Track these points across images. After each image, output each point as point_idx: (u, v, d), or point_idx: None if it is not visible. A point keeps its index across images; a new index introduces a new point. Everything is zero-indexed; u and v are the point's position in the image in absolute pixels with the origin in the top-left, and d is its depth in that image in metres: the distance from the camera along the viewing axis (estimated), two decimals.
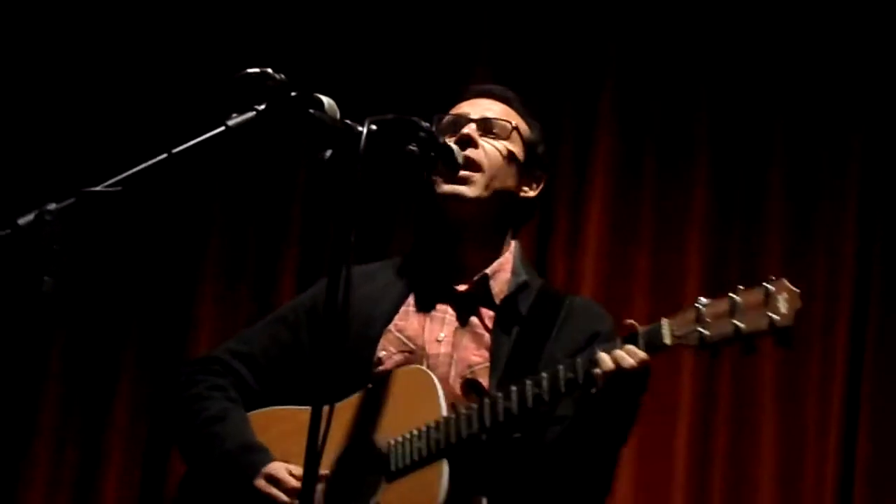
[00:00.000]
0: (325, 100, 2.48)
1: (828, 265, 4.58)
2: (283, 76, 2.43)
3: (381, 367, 2.98)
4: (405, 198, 4.69)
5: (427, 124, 2.65)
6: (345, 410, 2.88)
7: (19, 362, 4.96)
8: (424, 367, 2.93)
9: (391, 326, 3.02)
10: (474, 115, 3.09)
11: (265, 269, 5.00)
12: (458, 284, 3.05)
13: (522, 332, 2.99)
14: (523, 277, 3.06)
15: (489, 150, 3.06)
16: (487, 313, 3.02)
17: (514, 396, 2.79)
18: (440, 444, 2.81)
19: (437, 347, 2.99)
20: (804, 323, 4.47)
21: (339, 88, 2.60)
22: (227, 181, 5.03)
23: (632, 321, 2.76)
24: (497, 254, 3.08)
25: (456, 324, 3.01)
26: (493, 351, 2.97)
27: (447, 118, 3.12)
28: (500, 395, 2.81)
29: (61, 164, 4.97)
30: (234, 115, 2.44)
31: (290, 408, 3.05)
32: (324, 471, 2.84)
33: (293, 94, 2.45)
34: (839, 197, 4.63)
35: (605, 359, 2.73)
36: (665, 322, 2.72)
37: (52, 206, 2.26)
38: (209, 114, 2.44)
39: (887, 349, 4.50)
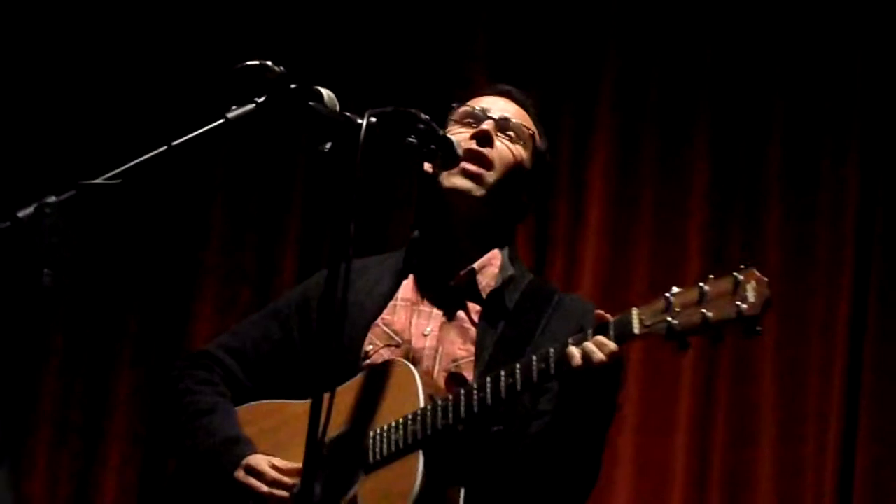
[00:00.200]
0: (325, 92, 2.48)
1: (828, 242, 4.58)
2: (282, 68, 2.43)
3: (367, 361, 2.99)
4: (403, 186, 4.69)
5: (427, 116, 2.64)
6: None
7: (19, 355, 4.96)
8: (404, 360, 2.94)
9: (379, 321, 3.03)
10: (494, 114, 3.09)
11: (265, 263, 5.00)
12: (449, 279, 3.06)
13: (508, 327, 3.00)
14: (510, 272, 3.06)
15: (503, 151, 3.06)
16: (474, 307, 3.03)
17: (488, 387, 2.80)
18: (417, 435, 2.82)
19: (423, 341, 3.00)
20: (805, 303, 4.50)
21: (336, 82, 2.59)
22: (227, 174, 5.03)
23: (601, 311, 2.76)
24: (488, 250, 3.08)
25: (443, 318, 3.02)
26: (479, 345, 2.97)
27: (465, 108, 3.12)
28: (475, 386, 2.82)
29: (61, 157, 4.97)
30: (234, 107, 2.44)
31: (277, 402, 3.08)
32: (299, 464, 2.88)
33: (293, 86, 2.45)
34: (840, 177, 4.62)
35: (575, 352, 2.73)
36: (634, 312, 2.72)
37: (52, 199, 2.26)
38: (209, 106, 2.44)
39: (887, 345, 4.49)
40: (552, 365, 2.76)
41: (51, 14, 5.12)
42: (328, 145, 2.47)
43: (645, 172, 4.80)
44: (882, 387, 4.47)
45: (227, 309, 4.94)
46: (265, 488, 2.92)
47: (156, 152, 2.37)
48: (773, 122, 4.72)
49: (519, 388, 2.78)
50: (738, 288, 2.61)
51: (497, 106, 3.12)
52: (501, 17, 4.96)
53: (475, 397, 2.80)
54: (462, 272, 3.04)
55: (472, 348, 2.98)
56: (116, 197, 2.32)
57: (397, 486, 2.81)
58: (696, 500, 4.58)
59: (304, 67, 2.60)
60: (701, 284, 2.65)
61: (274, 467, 2.93)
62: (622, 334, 2.72)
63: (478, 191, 3.02)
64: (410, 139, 2.61)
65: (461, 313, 3.02)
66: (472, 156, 3.00)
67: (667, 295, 2.68)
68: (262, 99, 2.44)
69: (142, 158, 2.36)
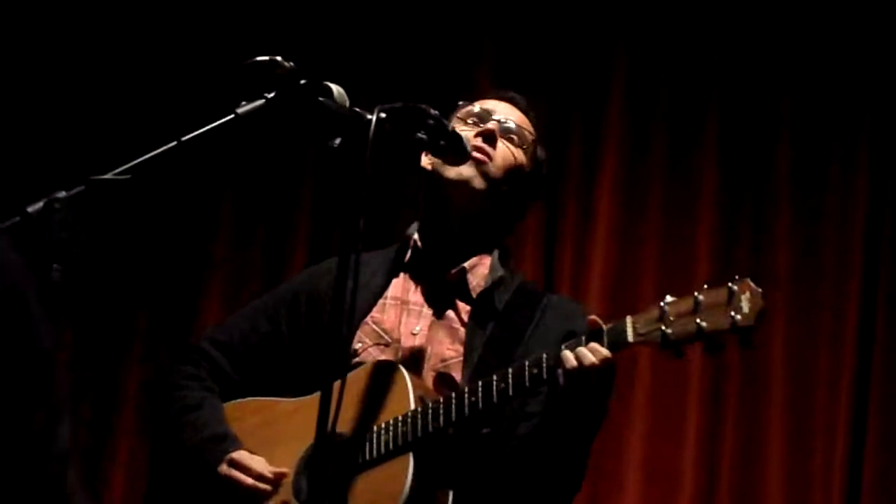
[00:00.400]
0: (335, 87, 2.48)
1: (836, 245, 4.58)
2: (292, 64, 2.43)
3: (356, 359, 3.00)
4: (412, 182, 4.69)
5: (436, 112, 2.64)
6: (317, 402, 2.90)
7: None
8: (394, 361, 2.95)
9: (368, 319, 3.04)
10: (499, 117, 3.13)
11: (274, 259, 5.01)
12: (441, 275, 3.07)
13: (497, 328, 3.01)
14: (500, 273, 3.07)
15: (504, 152, 3.09)
16: (464, 307, 3.04)
17: (479, 392, 2.81)
18: (407, 437, 2.84)
19: (412, 340, 3.01)
20: (814, 306, 4.49)
21: (342, 85, 2.59)
22: (236, 169, 5.03)
23: (595, 318, 2.77)
24: (480, 250, 3.10)
25: (432, 317, 3.03)
26: (468, 345, 2.99)
27: (469, 108, 3.16)
28: (466, 389, 2.83)
29: (70, 152, 4.98)
30: (244, 103, 2.44)
31: (265, 399, 3.09)
32: (287, 469, 2.93)
33: (302, 81, 2.45)
34: (849, 176, 4.62)
35: (569, 357, 2.74)
36: (629, 320, 2.73)
37: (62, 194, 2.25)
38: (218, 102, 2.44)
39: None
40: (545, 370, 2.77)
41: (61, 10, 5.13)
42: (337, 141, 2.47)
43: (654, 174, 4.80)
44: (890, 396, 4.47)
45: (235, 304, 4.93)
46: (250, 481, 2.94)
47: (165, 148, 2.37)
48: (781, 125, 4.72)
49: (511, 393, 2.80)
50: (732, 298, 2.62)
51: (501, 110, 3.16)
52: (509, 19, 4.96)
53: (467, 402, 2.81)
54: (454, 270, 3.05)
55: (461, 348, 2.99)
56: (126, 192, 2.33)
57: (387, 487, 2.82)
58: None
59: (312, 65, 2.60)
60: (696, 294, 2.66)
61: (259, 463, 2.95)
62: (616, 342, 2.73)
63: (480, 183, 3.04)
64: (420, 135, 2.61)
65: (451, 313, 3.04)
66: (476, 150, 3.03)
67: (661, 304, 2.69)
68: (271, 94, 2.44)
69: (151, 154, 2.36)
